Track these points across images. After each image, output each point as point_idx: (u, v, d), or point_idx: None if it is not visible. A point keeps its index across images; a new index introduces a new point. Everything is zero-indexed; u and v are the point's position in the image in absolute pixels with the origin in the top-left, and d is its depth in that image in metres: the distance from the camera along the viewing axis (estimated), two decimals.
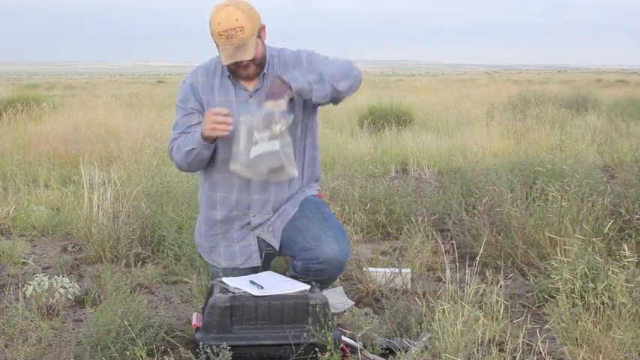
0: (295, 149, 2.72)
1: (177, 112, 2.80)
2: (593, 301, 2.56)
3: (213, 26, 2.53)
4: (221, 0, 2.57)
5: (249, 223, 2.79)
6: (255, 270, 2.78)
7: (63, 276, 2.81)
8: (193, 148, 2.65)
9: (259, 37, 2.62)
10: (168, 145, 2.81)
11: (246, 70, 2.66)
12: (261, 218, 2.78)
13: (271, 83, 2.59)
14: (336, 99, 2.64)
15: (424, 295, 2.82)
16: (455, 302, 2.42)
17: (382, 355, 2.45)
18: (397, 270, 3.26)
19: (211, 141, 2.62)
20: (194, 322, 2.51)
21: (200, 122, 2.72)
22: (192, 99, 2.76)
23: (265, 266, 2.85)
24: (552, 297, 2.74)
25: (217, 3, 2.58)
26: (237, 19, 2.50)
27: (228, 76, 2.73)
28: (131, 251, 3.69)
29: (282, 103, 2.48)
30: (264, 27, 2.64)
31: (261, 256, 2.82)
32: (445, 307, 2.34)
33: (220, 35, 2.52)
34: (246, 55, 2.57)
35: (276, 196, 2.77)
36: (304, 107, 2.76)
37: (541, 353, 2.34)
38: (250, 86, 2.73)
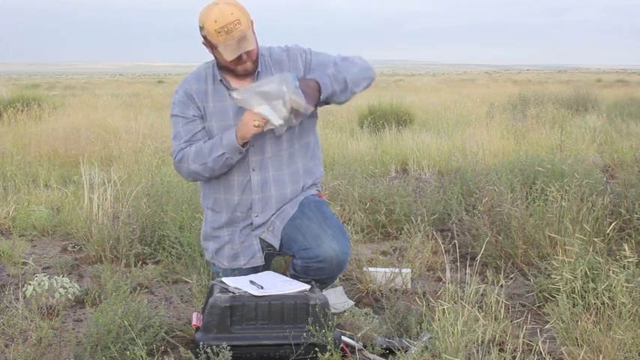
0: (295, 151, 2.75)
1: (177, 123, 2.75)
2: (593, 301, 2.56)
3: (208, 26, 2.53)
4: (207, 2, 2.59)
5: (251, 224, 2.79)
6: (256, 269, 2.78)
7: (63, 276, 2.81)
8: (223, 153, 2.63)
9: (252, 30, 2.63)
10: (174, 157, 2.75)
11: (245, 66, 2.65)
12: (263, 218, 2.78)
13: (305, 81, 2.56)
14: (347, 100, 2.71)
15: (424, 295, 2.82)
16: (455, 302, 2.42)
17: (382, 355, 2.45)
18: (397, 270, 3.26)
19: (244, 144, 2.63)
20: (194, 322, 2.51)
21: (204, 128, 2.72)
22: (191, 106, 2.73)
23: (265, 266, 2.85)
24: (552, 297, 2.74)
25: (204, 6, 2.59)
26: (232, 13, 2.52)
27: (221, 81, 2.72)
28: (131, 251, 3.69)
29: (310, 108, 2.54)
30: (253, 22, 2.65)
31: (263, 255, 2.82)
32: (445, 307, 2.34)
33: (219, 32, 2.51)
34: (250, 45, 2.57)
35: (277, 195, 2.77)
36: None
37: (541, 353, 2.34)
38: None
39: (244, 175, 2.74)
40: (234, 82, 2.71)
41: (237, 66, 2.63)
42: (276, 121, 2.52)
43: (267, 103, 2.50)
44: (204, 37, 2.59)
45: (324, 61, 2.72)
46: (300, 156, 2.80)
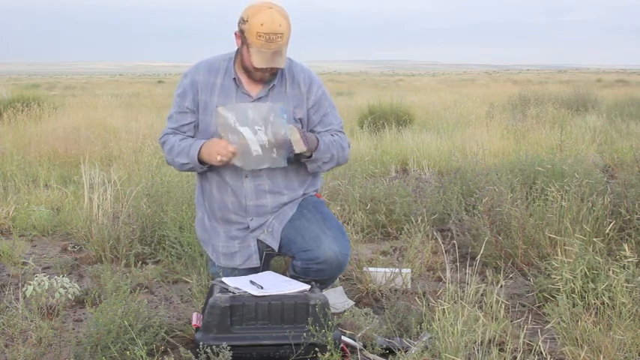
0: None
1: (174, 105, 2.79)
2: (593, 301, 2.56)
3: (253, 25, 2.51)
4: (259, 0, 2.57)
5: (247, 227, 2.79)
6: (254, 270, 2.78)
7: (63, 276, 2.80)
8: (188, 163, 2.70)
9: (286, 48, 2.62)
10: (161, 137, 2.82)
11: (263, 76, 2.65)
12: (258, 222, 2.78)
13: (308, 132, 2.63)
14: (316, 171, 2.81)
15: (424, 295, 2.82)
16: (455, 302, 2.42)
17: (382, 355, 2.45)
18: (397, 270, 3.26)
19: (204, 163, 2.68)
20: (194, 322, 2.51)
21: (192, 122, 2.74)
22: (189, 97, 2.74)
23: (265, 266, 2.85)
24: (552, 297, 2.74)
25: (256, 2, 2.56)
26: (280, 25, 2.51)
27: (234, 79, 2.71)
28: (131, 251, 3.69)
29: (301, 147, 2.56)
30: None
31: (261, 257, 2.82)
32: (445, 307, 2.34)
33: (260, 36, 2.50)
34: (282, 63, 2.58)
35: (274, 202, 2.76)
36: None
37: (541, 353, 2.34)
38: (254, 92, 2.71)
39: (237, 179, 2.74)
40: (246, 84, 2.71)
41: (257, 72, 2.63)
42: (254, 146, 2.54)
43: (249, 126, 2.52)
44: (242, 31, 2.57)
45: (326, 122, 2.76)
46: (294, 167, 2.78)
